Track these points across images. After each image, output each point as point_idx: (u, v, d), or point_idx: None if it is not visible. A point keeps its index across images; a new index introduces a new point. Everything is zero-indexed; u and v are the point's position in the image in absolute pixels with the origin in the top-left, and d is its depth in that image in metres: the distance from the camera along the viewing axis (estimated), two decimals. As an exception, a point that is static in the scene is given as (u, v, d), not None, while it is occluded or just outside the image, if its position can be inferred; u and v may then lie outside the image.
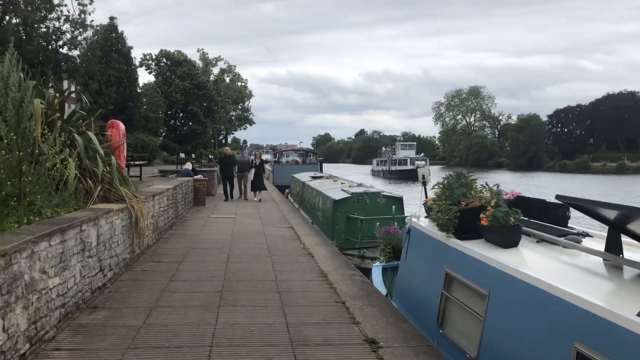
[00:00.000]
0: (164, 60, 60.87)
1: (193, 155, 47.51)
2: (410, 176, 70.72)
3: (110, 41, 39.95)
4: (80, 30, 27.87)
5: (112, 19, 41.75)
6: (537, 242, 5.14)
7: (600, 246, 4.42)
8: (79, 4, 27.38)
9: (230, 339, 4.94)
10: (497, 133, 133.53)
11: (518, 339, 4.17)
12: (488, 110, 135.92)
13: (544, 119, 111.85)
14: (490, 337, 4.54)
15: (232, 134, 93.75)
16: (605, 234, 4.38)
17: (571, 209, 5.35)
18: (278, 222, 13.79)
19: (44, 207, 5.68)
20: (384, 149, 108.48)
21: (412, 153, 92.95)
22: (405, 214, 13.59)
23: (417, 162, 77.81)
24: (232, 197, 19.74)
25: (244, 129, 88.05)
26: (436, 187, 6.04)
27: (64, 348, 4.61)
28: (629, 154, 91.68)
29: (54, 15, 26.49)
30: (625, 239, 4.22)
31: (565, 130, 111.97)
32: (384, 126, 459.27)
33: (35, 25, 25.10)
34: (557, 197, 4.75)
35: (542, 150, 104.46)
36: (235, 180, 20.16)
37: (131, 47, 43.45)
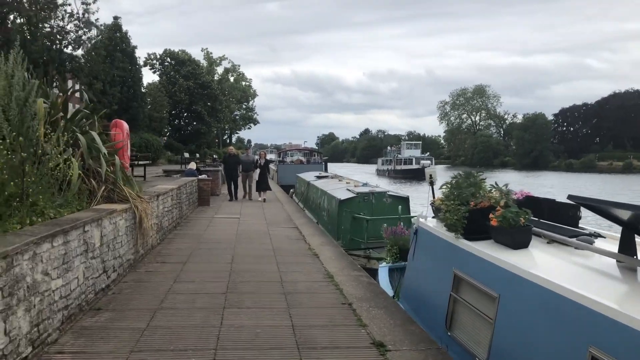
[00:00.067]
0: (168, 59, 60.97)
1: (197, 155, 47.55)
2: (415, 176, 70.56)
3: (114, 41, 40.05)
4: (85, 30, 27.91)
5: (116, 18, 41.96)
6: (547, 243, 5.04)
7: (613, 247, 4.32)
8: (83, 3, 27.43)
9: (235, 342, 4.86)
10: (502, 132, 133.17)
11: (530, 343, 4.06)
12: (493, 109, 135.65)
13: (550, 118, 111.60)
14: (501, 340, 4.44)
15: (237, 133, 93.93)
16: (617, 235, 4.28)
17: (582, 209, 5.25)
18: (283, 222, 13.72)
19: (47, 208, 5.61)
20: (389, 148, 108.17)
21: (417, 152, 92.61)
22: (412, 214, 13.49)
23: (422, 162, 77.55)
24: (236, 197, 19.67)
25: (248, 128, 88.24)
26: (444, 187, 5.94)
27: (66, 351, 4.54)
28: (636, 152, 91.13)
29: (58, 14, 26.53)
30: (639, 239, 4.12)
31: (571, 129, 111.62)
32: (388, 125, 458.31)
33: (40, 25, 25.11)
34: (570, 197, 4.64)
35: (547, 149, 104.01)
36: (240, 180, 20.08)
37: (135, 47, 43.59)
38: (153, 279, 7.21)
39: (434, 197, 7.09)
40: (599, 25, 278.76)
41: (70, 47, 28.11)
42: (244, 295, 6.47)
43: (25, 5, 24.54)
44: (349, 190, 15.27)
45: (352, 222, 13.61)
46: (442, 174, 8.84)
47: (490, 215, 5.02)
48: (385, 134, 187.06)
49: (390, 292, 7.88)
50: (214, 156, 50.02)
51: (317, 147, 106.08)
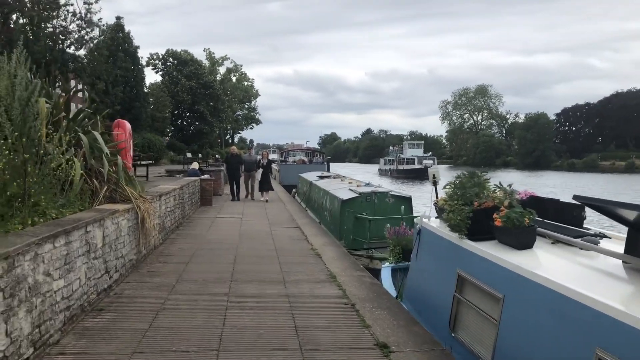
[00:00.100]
0: (171, 59, 60.99)
1: (200, 155, 47.57)
2: (418, 175, 70.53)
3: (116, 41, 40.06)
4: (87, 30, 27.93)
5: (118, 18, 41.88)
6: (552, 243, 5.00)
7: (619, 248, 4.28)
8: (85, 3, 27.44)
9: (238, 343, 4.83)
10: (504, 132, 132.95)
11: (535, 345, 4.03)
12: (495, 109, 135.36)
13: (552, 117, 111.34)
14: (505, 341, 4.41)
15: (239, 133, 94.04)
16: (623, 235, 4.24)
17: (586, 210, 5.21)
18: (285, 222, 13.69)
19: (49, 208, 5.59)
20: (391, 148, 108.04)
21: (419, 152, 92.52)
22: (414, 214, 13.46)
23: (425, 162, 77.48)
24: (238, 197, 19.63)
25: (251, 128, 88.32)
26: (448, 187, 5.91)
27: (68, 352, 4.52)
28: (638, 152, 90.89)
29: (60, 14, 26.55)
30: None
31: (574, 128, 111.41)
32: (390, 125, 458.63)
33: (42, 25, 25.12)
34: (575, 197, 4.61)
35: (549, 149, 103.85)
36: (242, 180, 20.04)
37: (138, 47, 43.54)
38: (155, 280, 7.19)
39: (437, 197, 7.07)
40: (601, 24, 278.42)
41: (72, 47, 28.13)
42: (247, 296, 6.44)
43: (28, 5, 24.55)
44: (352, 190, 15.24)
45: (354, 222, 13.59)
46: (444, 174, 8.82)
47: (494, 216, 4.99)
48: (387, 133, 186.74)
49: (393, 293, 7.85)
50: (217, 156, 50.03)
51: (319, 147, 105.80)
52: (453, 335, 5.39)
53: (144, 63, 51.45)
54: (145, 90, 46.45)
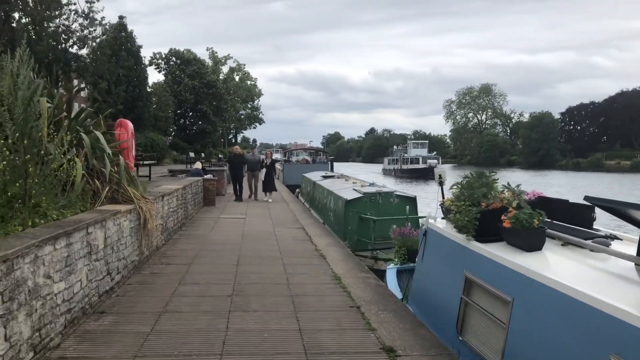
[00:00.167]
0: (174, 59, 60.96)
1: (203, 155, 47.53)
2: (422, 175, 70.37)
3: (119, 40, 40.02)
4: (90, 29, 27.91)
5: (121, 18, 41.87)
6: (562, 245, 4.89)
7: (632, 250, 4.17)
8: (87, 1, 27.43)
9: (241, 347, 4.75)
10: (508, 131, 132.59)
11: (545, 349, 3.92)
12: (499, 108, 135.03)
13: (557, 116, 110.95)
14: (515, 346, 4.30)
15: (242, 133, 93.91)
16: (634, 237, 4.14)
17: (596, 210, 5.11)
18: (289, 223, 13.61)
19: (50, 209, 5.53)
20: (395, 147, 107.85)
21: (424, 151, 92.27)
22: (419, 214, 13.35)
23: (429, 161, 77.26)
24: (241, 197, 19.54)
25: (254, 128, 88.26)
26: (455, 187, 5.80)
27: (69, 356, 4.44)
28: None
29: (63, 13, 26.52)
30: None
31: (578, 128, 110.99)
32: (394, 124, 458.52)
33: (45, 24, 25.11)
34: (586, 198, 4.51)
35: (554, 148, 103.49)
36: (245, 180, 19.95)
37: (140, 46, 43.48)
38: (158, 281, 7.11)
39: (443, 198, 6.96)
40: (605, 23, 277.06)
41: (75, 47, 28.13)
42: (250, 298, 6.35)
43: (30, 4, 24.54)
44: (356, 190, 15.14)
45: (359, 223, 13.48)
46: (449, 174, 8.70)
47: (503, 217, 4.89)
48: (391, 133, 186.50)
49: (399, 295, 7.75)
50: (220, 156, 50.00)
51: (322, 147, 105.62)
52: (460, 338, 5.29)
53: (147, 62, 51.50)
54: (148, 90, 46.38)
